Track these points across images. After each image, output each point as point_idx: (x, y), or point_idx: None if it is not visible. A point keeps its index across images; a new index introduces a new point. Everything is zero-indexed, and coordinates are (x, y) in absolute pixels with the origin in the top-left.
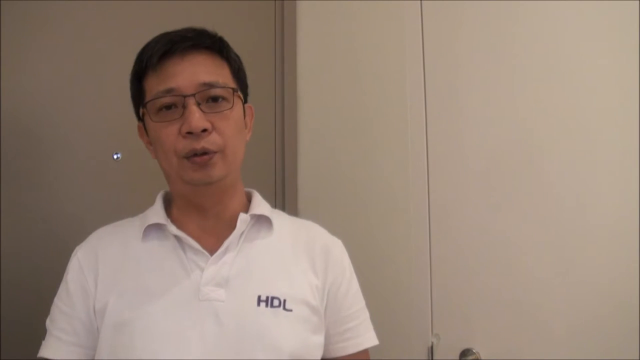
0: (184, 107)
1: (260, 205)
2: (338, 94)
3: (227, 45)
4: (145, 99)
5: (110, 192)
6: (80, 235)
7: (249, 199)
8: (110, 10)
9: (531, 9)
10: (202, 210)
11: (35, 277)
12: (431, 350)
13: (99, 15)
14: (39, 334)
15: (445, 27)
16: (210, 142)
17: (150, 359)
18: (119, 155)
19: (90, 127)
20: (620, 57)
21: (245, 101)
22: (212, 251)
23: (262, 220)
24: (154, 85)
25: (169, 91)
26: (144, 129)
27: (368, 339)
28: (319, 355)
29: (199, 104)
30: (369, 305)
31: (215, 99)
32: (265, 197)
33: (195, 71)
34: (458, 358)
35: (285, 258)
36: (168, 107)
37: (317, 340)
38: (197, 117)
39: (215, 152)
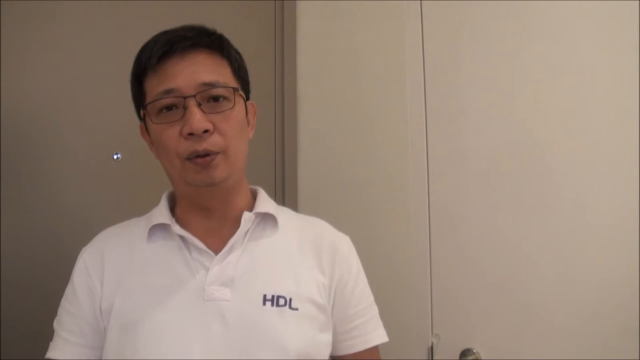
0: (185, 108)
1: (265, 203)
2: (338, 94)
3: (227, 42)
4: (146, 100)
5: (110, 192)
6: (80, 235)
7: (254, 196)
8: (110, 10)
9: (531, 9)
10: (206, 210)
11: (35, 277)
12: (431, 350)
13: (99, 15)
14: (39, 334)
15: (445, 27)
16: (212, 143)
17: (155, 359)
18: (119, 155)
19: (90, 127)
20: (620, 57)
21: (247, 98)
22: (217, 250)
23: (267, 218)
24: (154, 87)
25: (169, 92)
26: (145, 129)
27: (377, 336)
28: (327, 353)
29: (199, 105)
30: None
31: (216, 99)
32: None
33: (195, 71)
34: (458, 358)
35: (291, 256)
36: (169, 108)
37: (325, 339)
38: (198, 118)
39: (217, 153)
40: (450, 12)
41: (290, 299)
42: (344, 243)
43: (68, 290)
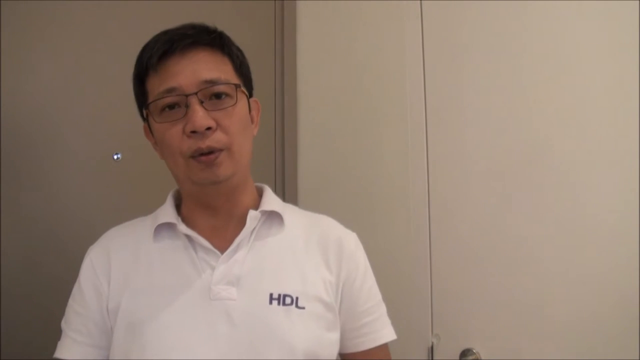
0: (187, 106)
1: (271, 200)
2: (338, 94)
3: (228, 40)
4: (148, 100)
5: (110, 192)
6: (80, 235)
7: (260, 194)
8: (110, 10)
9: (531, 9)
10: (212, 209)
11: (35, 277)
12: (431, 350)
13: (99, 15)
14: (39, 334)
15: (445, 27)
16: (215, 140)
17: (161, 359)
18: (119, 155)
19: (90, 127)
20: (620, 57)
21: (250, 95)
22: (223, 249)
23: (273, 217)
24: (155, 86)
25: (171, 91)
26: (149, 130)
27: (385, 334)
28: (335, 352)
29: (201, 102)
30: None
31: (218, 96)
32: None
33: (196, 69)
34: (458, 358)
35: (298, 254)
36: (171, 107)
37: (332, 337)
38: (200, 116)
39: (221, 150)
40: (450, 12)
41: (297, 298)
42: (351, 240)
43: (75, 290)
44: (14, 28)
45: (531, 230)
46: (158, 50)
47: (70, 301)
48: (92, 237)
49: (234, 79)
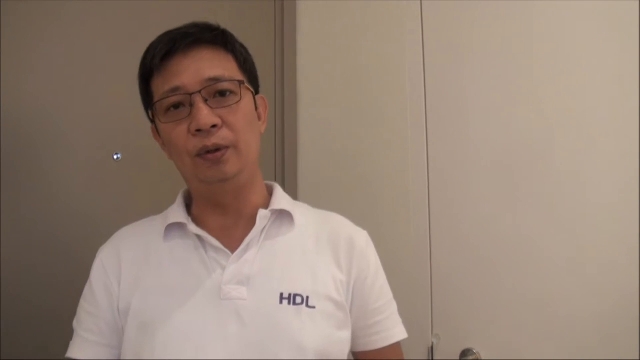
0: (192, 104)
1: (281, 199)
2: (338, 94)
3: (231, 37)
4: (153, 100)
5: (110, 192)
6: (80, 235)
7: (270, 193)
8: (110, 10)
9: (531, 9)
10: (221, 208)
11: (35, 277)
12: (431, 350)
13: (99, 16)
14: (39, 334)
15: (445, 27)
16: (221, 137)
17: (172, 359)
18: (119, 155)
19: (90, 127)
20: (620, 57)
21: (256, 92)
22: (233, 249)
23: (284, 215)
24: (159, 86)
25: (175, 90)
26: (156, 131)
27: (397, 333)
28: (346, 350)
29: (206, 100)
30: None
31: (222, 93)
32: None
33: (199, 67)
34: (458, 358)
35: (308, 253)
36: (176, 106)
37: (343, 336)
38: (205, 114)
39: (227, 148)
40: (450, 12)
41: (308, 297)
42: (362, 238)
43: (86, 290)
44: (14, 28)
45: (531, 230)
46: (161, 51)
47: (82, 301)
48: (92, 237)
49: (238, 75)
